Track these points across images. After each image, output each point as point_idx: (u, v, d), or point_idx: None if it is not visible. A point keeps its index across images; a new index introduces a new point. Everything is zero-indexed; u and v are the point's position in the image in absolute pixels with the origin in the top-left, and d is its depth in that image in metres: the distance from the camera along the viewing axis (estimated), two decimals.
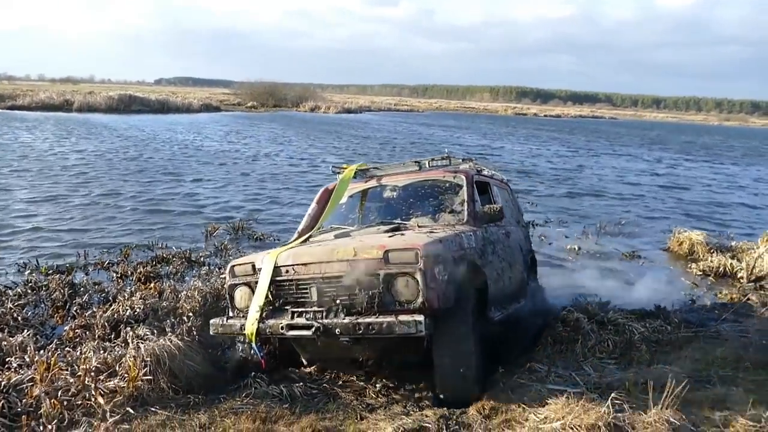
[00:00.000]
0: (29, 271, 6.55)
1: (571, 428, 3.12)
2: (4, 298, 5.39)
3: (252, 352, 3.95)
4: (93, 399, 3.33)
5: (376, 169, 5.40)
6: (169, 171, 15.46)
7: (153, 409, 3.42)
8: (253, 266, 3.96)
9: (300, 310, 3.67)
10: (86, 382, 3.44)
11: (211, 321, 4.09)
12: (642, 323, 5.17)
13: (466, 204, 4.55)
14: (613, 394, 3.37)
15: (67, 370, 3.66)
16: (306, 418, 3.45)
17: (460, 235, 4.03)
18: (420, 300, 3.41)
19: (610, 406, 3.25)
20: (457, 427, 3.36)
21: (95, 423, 3.18)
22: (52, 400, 3.25)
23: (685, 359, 4.42)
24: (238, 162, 18.12)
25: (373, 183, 5.19)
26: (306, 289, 3.73)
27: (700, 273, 7.80)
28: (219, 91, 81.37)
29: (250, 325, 3.70)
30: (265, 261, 3.88)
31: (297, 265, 3.76)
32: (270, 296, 3.77)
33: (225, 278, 4.21)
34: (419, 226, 4.36)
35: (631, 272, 7.76)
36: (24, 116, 32.73)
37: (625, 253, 8.56)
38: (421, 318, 3.30)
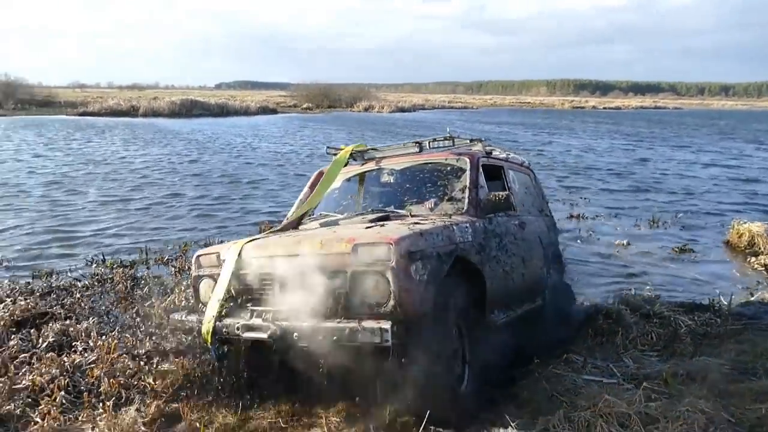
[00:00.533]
0: (96, 265, 7.00)
1: (601, 416, 3.15)
2: (73, 290, 5.84)
3: (210, 353, 3.54)
4: (146, 380, 3.60)
5: (375, 150, 4.87)
6: (227, 173, 16.02)
7: (201, 392, 3.64)
8: (218, 256, 3.58)
9: (261, 309, 3.27)
10: (141, 364, 3.73)
11: (171, 315, 3.86)
12: (690, 316, 5.12)
13: (467, 191, 4.03)
14: (645, 384, 3.38)
15: (126, 354, 3.96)
16: None
17: (451, 227, 3.49)
18: (391, 303, 2.92)
19: (641, 396, 3.26)
20: None
21: (148, 401, 3.45)
22: (110, 380, 3.55)
23: (731, 351, 4.35)
24: (294, 163, 18.56)
25: (371, 166, 4.71)
26: (270, 285, 3.28)
27: (761, 267, 7.51)
28: (276, 94, 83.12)
29: (206, 323, 3.32)
30: (230, 252, 3.48)
31: (261, 257, 3.35)
32: (232, 291, 3.37)
33: (191, 269, 3.85)
34: (412, 215, 3.90)
35: (684, 266, 7.53)
36: (94, 122, 34.50)
37: (678, 247, 8.31)
38: (387, 325, 2.83)
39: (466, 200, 3.99)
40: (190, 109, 42.95)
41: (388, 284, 2.93)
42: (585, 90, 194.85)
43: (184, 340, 3.93)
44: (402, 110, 59.05)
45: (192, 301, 3.94)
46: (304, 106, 57.02)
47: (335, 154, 4.72)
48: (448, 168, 4.32)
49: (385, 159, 4.72)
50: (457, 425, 3.15)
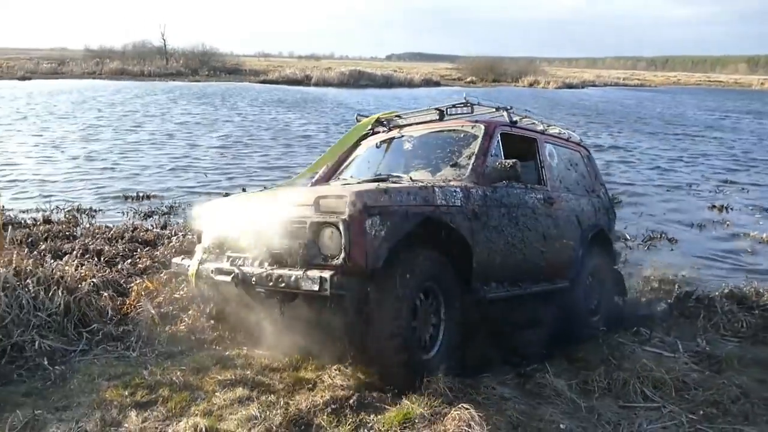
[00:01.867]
0: None
1: (638, 377, 3.44)
2: None
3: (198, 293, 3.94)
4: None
5: (399, 117, 4.90)
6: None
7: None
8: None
9: (236, 255, 3.49)
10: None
11: (173, 259, 4.23)
12: None
13: (474, 158, 3.96)
14: (685, 356, 3.56)
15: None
16: None
17: (431, 188, 3.44)
18: (342, 256, 2.96)
19: (683, 365, 3.48)
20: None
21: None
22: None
23: None
24: None
25: (395, 133, 4.73)
26: (246, 234, 3.47)
27: None
28: (442, 66, 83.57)
29: (192, 267, 3.65)
30: (222, 203, 3.86)
31: (245, 208, 3.59)
32: (220, 240, 3.64)
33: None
34: (411, 180, 3.80)
35: None
36: (271, 89, 37.75)
37: None
38: (327, 275, 2.90)
39: (470, 167, 3.93)
40: (357, 80, 45.11)
41: (341, 236, 2.98)
42: None
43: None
44: (569, 87, 56.56)
45: None
46: (468, 79, 56.94)
47: (361, 121, 4.96)
48: (462, 135, 4.27)
49: (409, 126, 4.76)
50: (419, 390, 3.09)
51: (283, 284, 3.06)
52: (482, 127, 4.21)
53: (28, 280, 4.18)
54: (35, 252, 5.71)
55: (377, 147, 4.71)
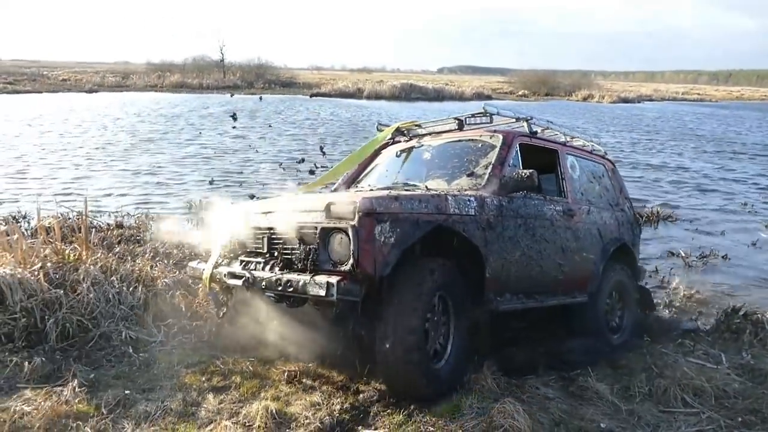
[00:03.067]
0: None
1: (679, 386, 3.58)
2: None
3: (210, 296, 3.97)
4: None
5: (419, 127, 4.95)
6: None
7: None
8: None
9: (249, 259, 3.54)
10: None
11: (189, 263, 4.23)
12: None
13: (491, 167, 3.95)
14: (727, 367, 3.69)
15: None
16: None
17: (444, 197, 3.44)
18: (351, 261, 2.95)
19: (723, 375, 3.61)
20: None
21: None
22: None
23: None
24: None
25: (415, 142, 4.77)
26: (261, 239, 3.55)
27: None
28: (494, 80, 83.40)
29: (206, 270, 3.69)
30: (235, 207, 3.87)
31: (260, 213, 3.59)
32: (236, 244, 3.73)
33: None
34: (427, 189, 3.86)
35: None
36: (323, 101, 38.59)
37: None
38: (333, 280, 2.90)
39: (486, 176, 3.91)
40: (408, 93, 45.56)
41: (350, 242, 2.98)
42: None
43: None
44: (625, 101, 55.57)
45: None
46: (520, 93, 56.68)
47: (382, 131, 5.03)
48: (480, 145, 4.27)
49: (428, 135, 4.80)
50: (428, 400, 3.16)
51: (291, 289, 3.07)
52: (500, 137, 4.21)
53: (113, 277, 4.64)
54: (111, 253, 6.23)
55: (397, 156, 4.75)
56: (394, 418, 3.05)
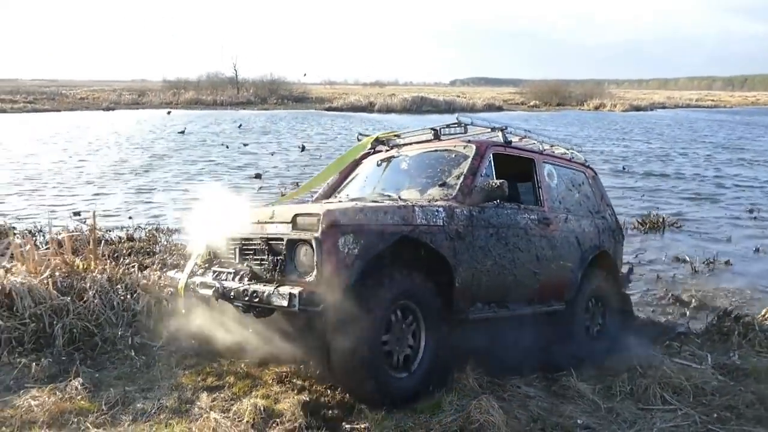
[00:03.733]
0: None
1: (659, 384, 3.68)
2: None
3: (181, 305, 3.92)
4: None
5: (397, 137, 5.00)
6: None
7: None
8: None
9: (221, 270, 3.61)
10: None
11: (168, 272, 4.35)
12: None
13: (463, 177, 3.98)
14: (711, 367, 3.79)
15: None
16: None
17: (411, 207, 3.47)
18: (314, 273, 3.03)
19: (704, 374, 3.71)
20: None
21: None
22: None
23: None
24: None
25: (394, 152, 4.80)
26: (233, 249, 3.63)
27: None
28: (506, 91, 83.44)
29: (181, 280, 3.75)
30: (210, 218, 3.84)
31: (233, 224, 3.63)
32: (212, 254, 3.81)
33: None
34: (400, 199, 3.90)
35: None
36: (334, 115, 38.95)
37: None
38: (296, 291, 2.96)
39: (458, 186, 3.93)
40: (419, 106, 45.89)
41: (314, 254, 3.04)
42: None
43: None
44: (637, 109, 55.43)
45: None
46: (531, 103, 56.76)
47: (360, 140, 5.11)
48: (453, 155, 4.29)
49: (406, 146, 4.83)
50: (390, 408, 3.20)
51: (257, 299, 3.14)
52: (474, 147, 4.23)
53: (118, 286, 4.85)
54: (119, 265, 6.45)
55: (378, 165, 4.79)
56: (376, 414, 3.18)
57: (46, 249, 5.42)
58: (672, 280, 7.10)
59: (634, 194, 12.90)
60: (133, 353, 4.12)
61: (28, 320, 4.24)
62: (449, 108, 46.31)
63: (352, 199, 4.05)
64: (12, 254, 5.14)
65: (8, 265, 4.84)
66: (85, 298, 4.54)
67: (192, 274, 3.76)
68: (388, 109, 44.82)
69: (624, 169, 16.50)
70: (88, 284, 4.69)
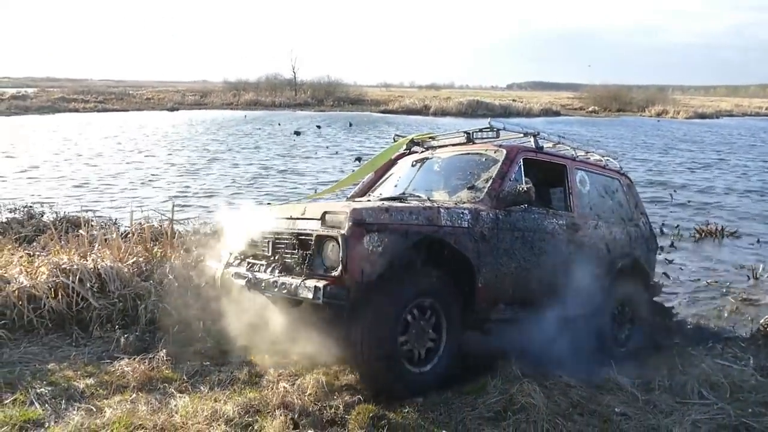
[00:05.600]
0: None
1: (698, 381, 3.85)
2: None
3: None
4: None
5: (432, 139, 5.14)
6: None
7: None
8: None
9: (255, 262, 3.78)
10: None
11: (207, 261, 4.53)
12: None
13: (491, 181, 4.11)
14: (752, 368, 3.93)
15: None
16: None
17: (437, 209, 3.62)
18: (340, 268, 3.17)
19: (742, 372, 3.86)
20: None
21: None
22: None
23: None
24: None
25: (429, 153, 4.94)
26: (267, 243, 3.77)
27: None
28: (564, 95, 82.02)
29: (219, 270, 3.98)
30: (246, 211, 4.12)
31: (263, 219, 3.83)
32: (248, 246, 3.95)
33: None
34: (429, 200, 4.06)
35: None
36: (391, 119, 39.44)
37: None
38: (321, 284, 3.13)
39: (485, 190, 4.06)
40: (475, 110, 45.74)
41: (339, 249, 3.19)
42: None
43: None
44: (702, 116, 53.60)
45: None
46: (590, 109, 55.70)
47: (396, 141, 5.29)
48: (484, 159, 4.41)
49: (440, 148, 4.97)
50: (406, 401, 3.33)
51: (285, 291, 3.32)
52: (504, 151, 4.33)
53: (192, 272, 5.32)
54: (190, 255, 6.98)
55: (412, 165, 4.92)
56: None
57: (127, 239, 5.97)
58: (726, 287, 7.11)
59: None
60: (206, 334, 4.56)
61: (117, 300, 4.76)
62: (505, 112, 45.95)
63: (384, 198, 4.21)
64: (98, 242, 5.72)
65: (97, 252, 5.39)
66: (164, 283, 5.03)
67: (228, 264, 3.98)
68: (443, 113, 44.89)
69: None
70: (167, 269, 5.19)
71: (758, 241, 9.59)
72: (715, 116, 55.22)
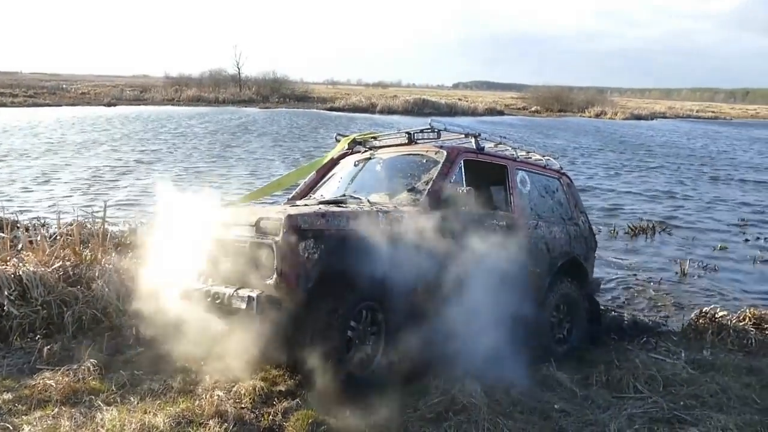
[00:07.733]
0: None
1: (633, 375, 3.94)
2: None
3: None
4: None
5: (374, 139, 4.99)
6: None
7: None
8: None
9: (189, 268, 3.61)
10: None
11: (140, 266, 4.28)
12: None
13: (431, 183, 4.05)
14: (683, 362, 4.04)
15: None
16: None
17: (373, 212, 3.58)
18: (275, 276, 3.12)
19: (675, 367, 3.98)
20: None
21: None
22: None
23: None
24: None
25: (370, 154, 4.83)
26: (206, 248, 3.60)
27: None
28: (507, 95, 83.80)
29: (154, 277, 3.76)
30: (181, 217, 3.80)
31: (204, 224, 3.62)
32: (181, 252, 3.71)
33: None
34: (369, 203, 3.98)
35: None
36: (336, 116, 39.26)
37: None
38: (255, 294, 3.08)
39: (426, 192, 4.00)
40: (421, 108, 46.04)
41: (275, 257, 3.11)
42: None
43: None
44: (638, 118, 55.69)
45: None
46: (533, 109, 57.01)
47: (338, 141, 5.13)
48: (425, 160, 4.36)
49: (381, 148, 4.84)
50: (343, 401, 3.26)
51: (218, 301, 3.24)
52: (445, 152, 4.28)
53: (124, 276, 5.08)
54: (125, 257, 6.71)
55: (354, 165, 4.82)
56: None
57: (54, 242, 5.66)
58: (658, 282, 7.35)
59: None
60: (139, 340, 4.35)
61: (40, 307, 4.48)
62: (450, 111, 46.52)
63: (323, 202, 4.14)
64: (22, 245, 5.39)
65: (20, 256, 5.08)
66: (93, 288, 4.78)
67: (162, 271, 3.75)
68: (389, 111, 44.97)
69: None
70: (96, 274, 4.94)
71: (689, 237, 9.99)
72: (650, 118, 57.43)
